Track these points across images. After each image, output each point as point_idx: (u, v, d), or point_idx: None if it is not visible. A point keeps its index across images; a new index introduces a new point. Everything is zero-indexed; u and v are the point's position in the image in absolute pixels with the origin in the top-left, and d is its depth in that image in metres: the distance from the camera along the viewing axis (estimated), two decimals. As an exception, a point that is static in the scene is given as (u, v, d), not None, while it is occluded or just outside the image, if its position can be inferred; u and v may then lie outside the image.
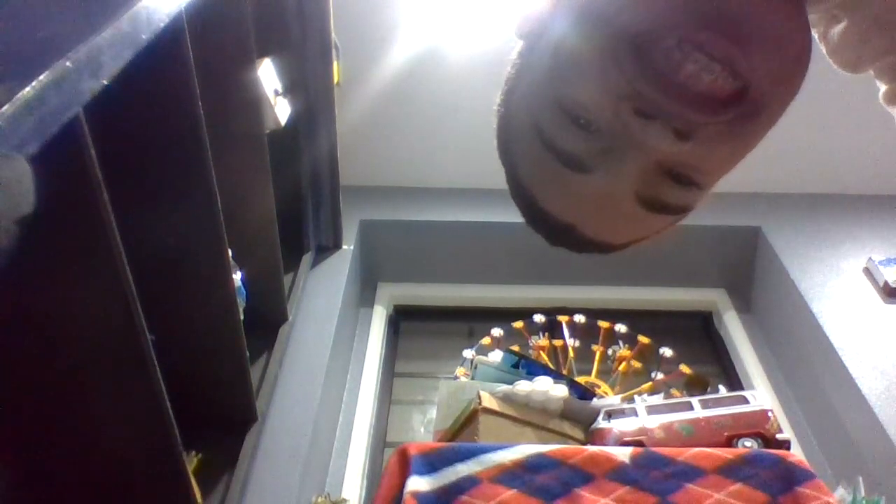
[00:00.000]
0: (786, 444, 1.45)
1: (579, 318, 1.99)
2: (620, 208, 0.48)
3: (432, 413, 1.80)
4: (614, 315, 2.02)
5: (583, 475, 1.31)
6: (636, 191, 0.47)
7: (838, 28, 0.55)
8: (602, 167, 0.46)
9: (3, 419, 0.76)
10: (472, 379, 1.71)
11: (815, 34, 0.55)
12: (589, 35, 0.45)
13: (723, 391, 1.64)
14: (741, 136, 0.45)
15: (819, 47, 0.56)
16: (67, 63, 0.52)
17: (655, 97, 0.42)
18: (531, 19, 0.51)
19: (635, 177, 0.46)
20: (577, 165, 0.47)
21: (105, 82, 0.59)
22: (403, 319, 2.18)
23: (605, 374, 1.90)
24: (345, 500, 1.48)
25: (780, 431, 1.47)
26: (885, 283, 1.87)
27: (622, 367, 1.89)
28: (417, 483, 1.29)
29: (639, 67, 0.42)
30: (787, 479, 1.30)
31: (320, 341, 1.66)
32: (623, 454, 1.34)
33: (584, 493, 1.29)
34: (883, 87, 0.58)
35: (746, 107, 0.43)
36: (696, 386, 1.83)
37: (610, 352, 1.94)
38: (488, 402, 1.50)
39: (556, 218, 0.50)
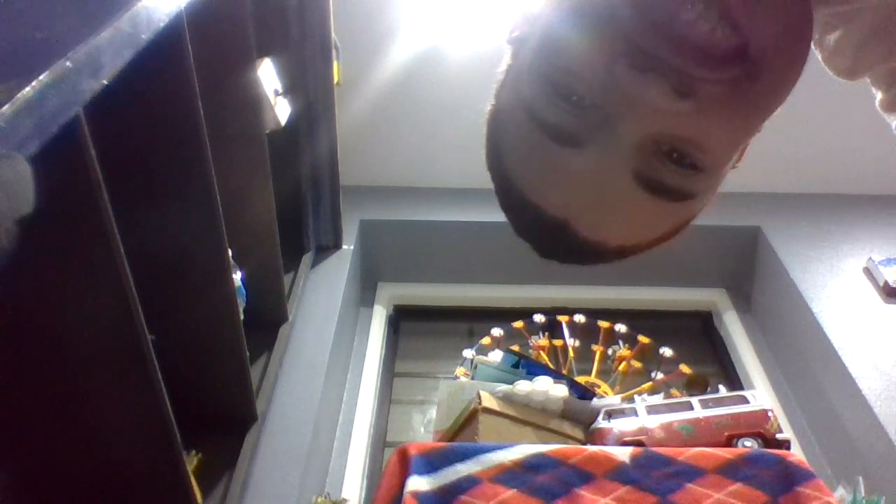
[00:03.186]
0: (786, 444, 1.45)
1: (579, 318, 1.99)
2: (616, 188, 0.46)
3: (432, 413, 1.80)
4: (614, 315, 2.02)
5: (583, 475, 1.31)
6: (633, 168, 0.45)
7: (834, 35, 0.55)
8: (595, 141, 0.45)
9: (3, 419, 0.76)
10: (472, 379, 1.71)
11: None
12: (583, 6, 0.44)
13: (723, 391, 1.64)
14: (742, 106, 0.44)
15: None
16: (67, 63, 0.52)
17: (653, 48, 0.42)
18: (519, 24, 0.50)
19: (631, 151, 0.44)
20: (570, 139, 0.45)
21: (105, 82, 0.59)
22: (403, 319, 2.18)
23: (605, 374, 1.90)
24: (345, 500, 1.48)
25: (780, 431, 1.47)
26: (885, 283, 1.87)
27: (622, 367, 1.89)
28: (417, 483, 1.29)
29: (635, 20, 0.42)
30: (787, 479, 1.30)
31: (320, 341, 1.66)
32: (623, 454, 1.34)
33: (584, 493, 1.29)
34: (879, 95, 0.57)
35: (747, 67, 0.42)
36: (696, 386, 1.83)
37: (610, 352, 1.94)
38: (488, 402, 1.50)
39: (547, 213, 0.48)
